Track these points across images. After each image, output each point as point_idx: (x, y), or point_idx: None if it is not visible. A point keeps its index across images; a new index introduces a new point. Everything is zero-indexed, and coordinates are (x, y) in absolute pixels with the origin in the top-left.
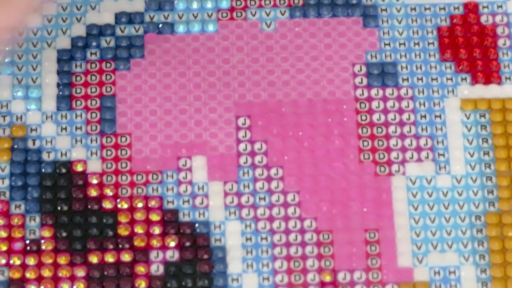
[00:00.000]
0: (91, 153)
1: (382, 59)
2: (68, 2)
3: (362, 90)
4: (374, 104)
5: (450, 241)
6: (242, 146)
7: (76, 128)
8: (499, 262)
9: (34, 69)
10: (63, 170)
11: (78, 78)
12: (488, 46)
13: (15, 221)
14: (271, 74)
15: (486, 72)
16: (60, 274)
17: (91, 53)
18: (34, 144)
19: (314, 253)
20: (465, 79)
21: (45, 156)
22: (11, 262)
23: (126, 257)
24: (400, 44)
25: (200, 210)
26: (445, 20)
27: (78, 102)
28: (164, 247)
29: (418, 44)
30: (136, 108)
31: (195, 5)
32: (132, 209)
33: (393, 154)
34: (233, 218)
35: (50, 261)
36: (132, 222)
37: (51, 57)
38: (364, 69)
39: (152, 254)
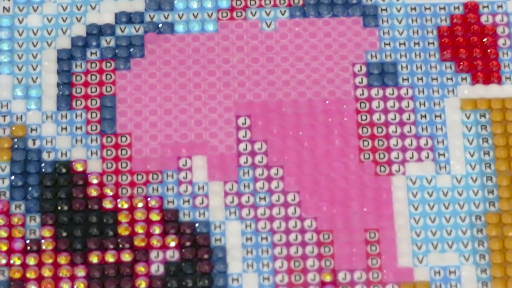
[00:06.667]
0: (91, 153)
1: (382, 59)
2: (68, 2)
3: (362, 90)
4: (374, 104)
5: (450, 241)
6: (242, 146)
7: (76, 128)
8: (499, 262)
9: (34, 69)
10: (63, 170)
11: (78, 78)
12: (488, 46)
13: (15, 220)
14: (271, 74)
15: (486, 72)
16: (60, 274)
17: (91, 53)
18: (34, 144)
19: (314, 253)
20: (465, 79)
21: (45, 156)
22: (11, 262)
23: (126, 257)
24: (400, 44)
25: (200, 210)
26: (445, 20)
27: (78, 102)
28: (164, 247)
29: (418, 44)
30: (136, 108)
31: (195, 5)
32: (132, 209)
33: (393, 154)
34: (233, 218)
35: (50, 261)
36: (132, 222)
37: (51, 57)
38: (364, 69)
39: (152, 254)
